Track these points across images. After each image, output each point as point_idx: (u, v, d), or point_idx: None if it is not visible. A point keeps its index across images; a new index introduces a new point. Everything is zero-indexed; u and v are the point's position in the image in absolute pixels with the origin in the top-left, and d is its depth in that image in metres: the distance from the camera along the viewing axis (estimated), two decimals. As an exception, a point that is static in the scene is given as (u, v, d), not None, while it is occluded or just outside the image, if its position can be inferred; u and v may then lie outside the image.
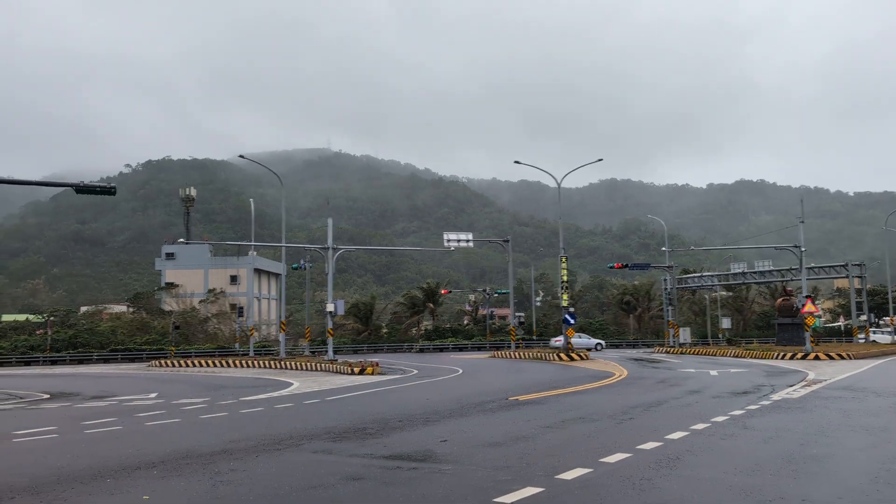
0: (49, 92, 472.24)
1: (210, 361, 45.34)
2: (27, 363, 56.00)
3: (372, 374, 30.39)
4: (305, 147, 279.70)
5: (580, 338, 58.08)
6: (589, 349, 53.94)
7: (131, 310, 77.14)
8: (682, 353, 48.21)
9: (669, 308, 57.28)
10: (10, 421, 14.97)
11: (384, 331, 75.83)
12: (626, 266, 54.69)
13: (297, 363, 38.17)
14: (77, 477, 7.99)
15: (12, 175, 31.33)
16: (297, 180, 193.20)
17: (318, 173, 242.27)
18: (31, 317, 75.35)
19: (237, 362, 43.40)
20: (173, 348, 53.69)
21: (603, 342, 61.40)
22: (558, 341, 52.71)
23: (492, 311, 77.83)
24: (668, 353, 49.36)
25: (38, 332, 65.40)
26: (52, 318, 66.65)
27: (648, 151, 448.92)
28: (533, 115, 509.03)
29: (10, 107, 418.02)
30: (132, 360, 56.73)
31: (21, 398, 22.29)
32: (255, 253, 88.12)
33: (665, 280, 59.22)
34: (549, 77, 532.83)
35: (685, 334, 56.27)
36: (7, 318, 78.54)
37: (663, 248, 58.52)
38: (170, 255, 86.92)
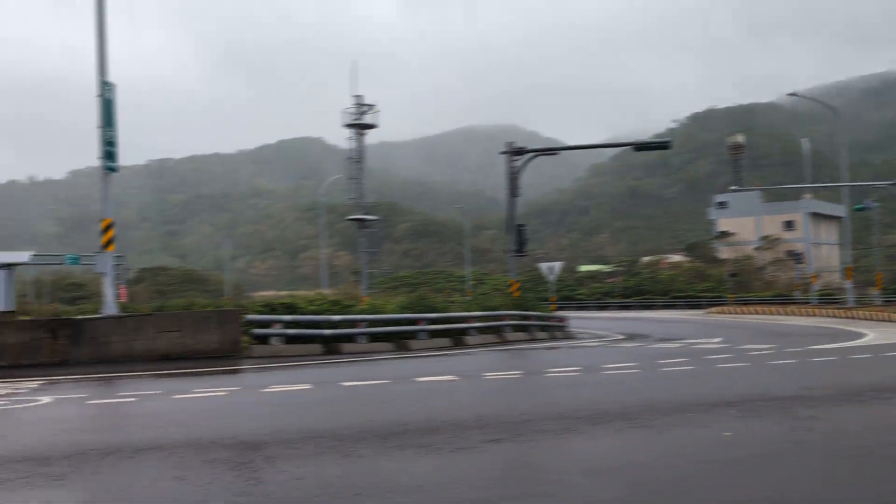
0: (603, 61, 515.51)
1: (768, 309, 44.35)
2: (601, 308, 63.27)
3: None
4: (862, 74, 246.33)
5: None
6: None
7: (688, 259, 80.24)
8: None
9: None
10: (598, 356, 17.33)
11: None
12: None
13: (868, 313, 34.62)
14: (660, 408, 8.79)
15: (580, 142, 35.40)
16: (854, 112, 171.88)
17: (880, 101, 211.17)
18: (601, 267, 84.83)
19: (798, 311, 41.49)
20: (731, 295, 54.08)
21: None
22: None
23: None
24: None
25: (608, 281, 73.24)
26: (618, 269, 73.80)
27: None
28: None
29: (578, 79, 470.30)
30: (691, 307, 59.08)
31: (602, 338, 25.47)
32: (809, 196, 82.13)
33: None
34: None
35: None
36: (583, 268, 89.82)
37: None
38: (721, 205, 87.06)
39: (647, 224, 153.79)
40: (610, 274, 75.72)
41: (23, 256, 19.65)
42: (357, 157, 37.05)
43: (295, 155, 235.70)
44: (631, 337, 25.24)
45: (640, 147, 29.26)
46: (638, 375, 12.77)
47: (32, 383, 12.16)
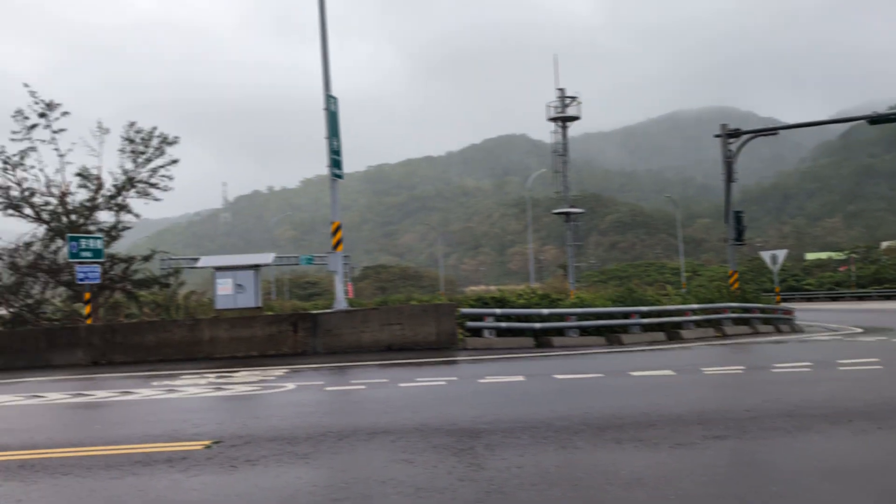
0: (825, 24, 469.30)
1: None
2: (833, 299, 57.79)
3: None
4: None
5: None
6: None
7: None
8: None
9: None
10: (832, 351, 15.92)
11: None
12: None
13: None
14: (911, 408, 7.97)
15: (802, 119, 32.66)
16: None
17: None
18: (832, 254, 77.53)
19: None
20: None
21: None
22: None
23: None
24: None
25: (840, 269, 66.75)
26: (852, 255, 67.00)
27: None
28: None
29: (796, 50, 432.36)
30: (945, 297, 52.29)
31: (835, 331, 23.31)
32: None
33: None
34: None
35: None
36: (810, 256, 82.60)
37: None
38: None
39: (885, 206, 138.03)
40: (842, 262, 68.86)
41: (268, 258, 21.93)
42: (561, 151, 37.07)
43: (499, 152, 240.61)
44: (870, 330, 22.85)
45: (876, 120, 26.31)
46: (881, 372, 11.59)
47: (278, 371, 13.58)
